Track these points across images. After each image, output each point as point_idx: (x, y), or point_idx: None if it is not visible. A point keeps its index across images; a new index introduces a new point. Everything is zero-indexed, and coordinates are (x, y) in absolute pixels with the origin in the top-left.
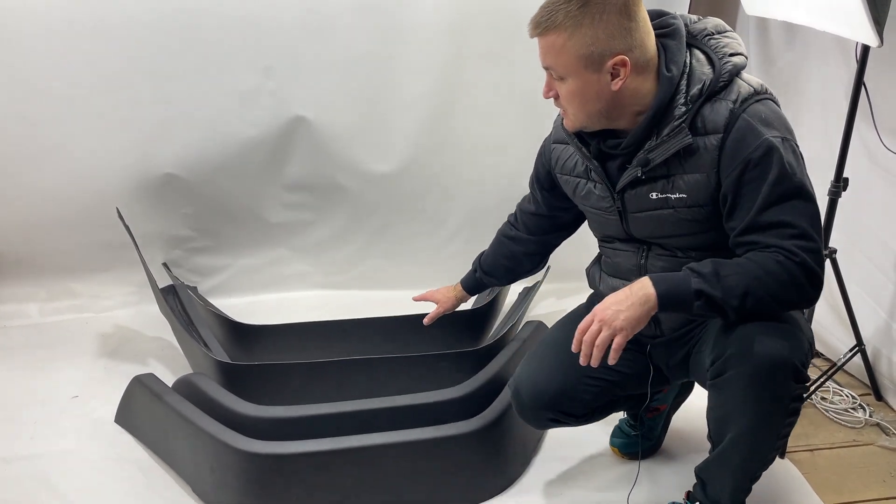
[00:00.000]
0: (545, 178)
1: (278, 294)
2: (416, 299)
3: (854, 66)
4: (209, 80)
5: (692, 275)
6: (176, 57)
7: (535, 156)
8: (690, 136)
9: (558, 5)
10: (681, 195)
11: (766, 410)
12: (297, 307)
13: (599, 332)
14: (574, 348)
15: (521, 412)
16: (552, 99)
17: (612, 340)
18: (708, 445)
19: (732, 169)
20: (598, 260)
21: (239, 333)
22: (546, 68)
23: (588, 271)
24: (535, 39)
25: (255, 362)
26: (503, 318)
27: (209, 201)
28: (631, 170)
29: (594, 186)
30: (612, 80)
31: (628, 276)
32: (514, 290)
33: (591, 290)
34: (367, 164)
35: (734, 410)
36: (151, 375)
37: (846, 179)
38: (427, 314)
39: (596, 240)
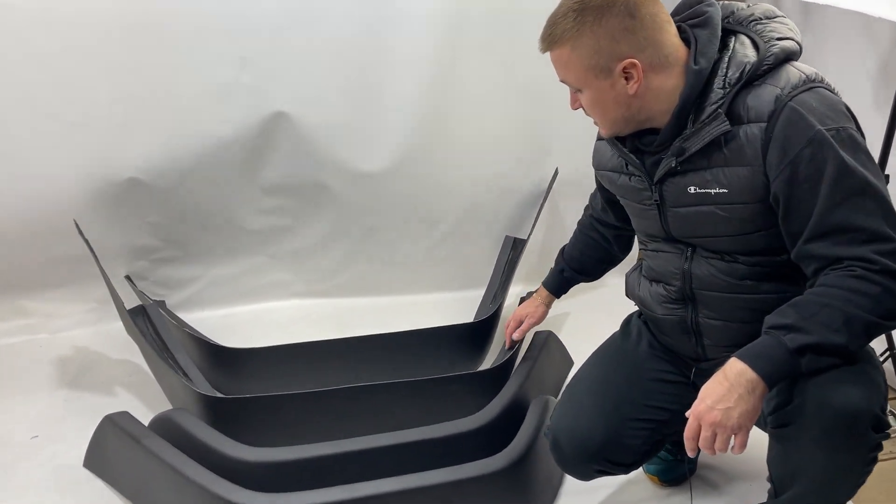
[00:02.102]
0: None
1: (256, 305)
2: (509, 333)
3: (881, 49)
4: (176, 75)
5: (779, 333)
6: (137, 49)
7: (536, 153)
8: (728, 122)
9: (557, 18)
10: (721, 189)
11: (842, 464)
12: (277, 318)
13: (714, 436)
14: (690, 453)
15: (563, 465)
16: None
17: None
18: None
19: (781, 166)
20: (639, 266)
21: (220, 358)
22: (563, 82)
23: (628, 277)
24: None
25: (244, 395)
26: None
27: (177, 208)
28: (666, 160)
29: (630, 179)
30: (627, 83)
31: (670, 281)
32: (514, 295)
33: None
34: (353, 163)
35: (805, 464)
36: (125, 414)
37: (887, 176)
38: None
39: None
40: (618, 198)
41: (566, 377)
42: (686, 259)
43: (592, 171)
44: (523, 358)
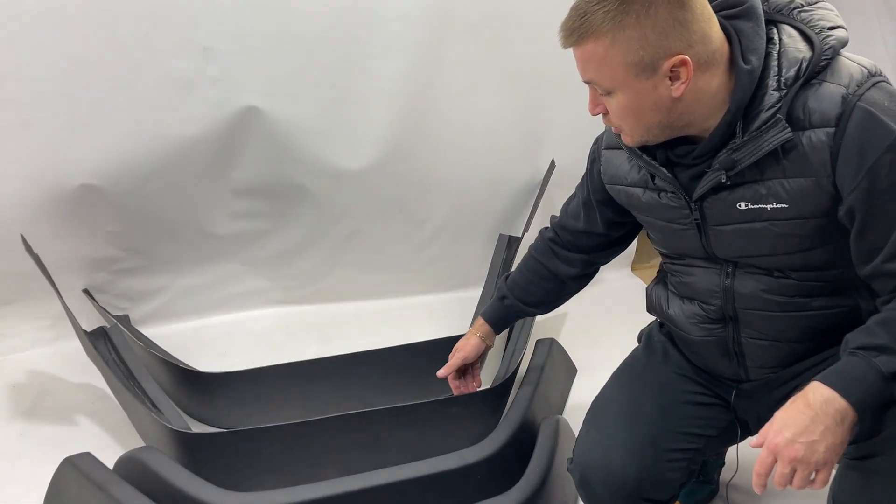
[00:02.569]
0: (602, 190)
1: (230, 315)
2: (441, 374)
3: None
4: (132, 69)
5: (870, 354)
6: (86, 39)
7: (531, 143)
8: (790, 129)
9: (592, 5)
10: (780, 205)
11: None
12: (254, 329)
13: (793, 472)
14: (758, 489)
15: None
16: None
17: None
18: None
19: (858, 177)
20: (661, 279)
21: (193, 383)
22: (588, 83)
23: (650, 293)
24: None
25: (221, 428)
26: (504, 337)
27: (138, 215)
28: (712, 174)
29: (659, 196)
30: (672, 84)
31: (708, 300)
32: None
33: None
34: (332, 160)
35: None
36: (87, 456)
37: None
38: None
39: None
40: (634, 214)
41: (570, 388)
42: (727, 276)
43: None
44: (527, 372)
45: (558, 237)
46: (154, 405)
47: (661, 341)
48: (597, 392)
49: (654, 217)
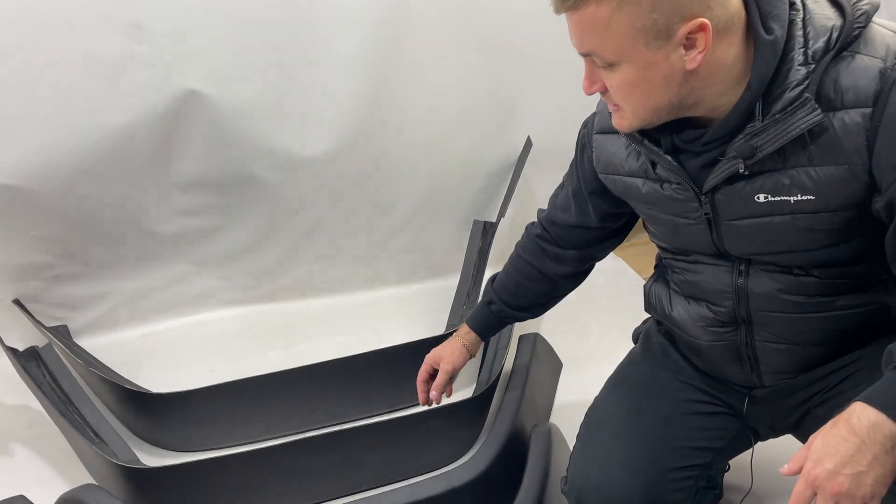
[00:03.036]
0: (595, 180)
1: (182, 319)
2: (421, 387)
3: None
4: (50, 51)
5: None
6: None
7: (504, 121)
8: (820, 110)
9: None
10: (806, 197)
11: None
12: (210, 333)
13: None
14: None
15: None
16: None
17: None
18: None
19: None
20: (661, 276)
21: (141, 404)
22: (586, 55)
23: (648, 291)
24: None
25: (177, 452)
26: None
27: (70, 216)
28: (727, 163)
29: (662, 187)
30: (687, 53)
31: (717, 301)
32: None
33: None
34: (286, 147)
35: None
36: (20, 501)
37: None
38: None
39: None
40: (633, 206)
41: (557, 385)
42: (740, 274)
43: (570, 138)
44: (511, 373)
45: (547, 233)
46: (96, 434)
47: (660, 343)
48: (585, 388)
49: (657, 210)
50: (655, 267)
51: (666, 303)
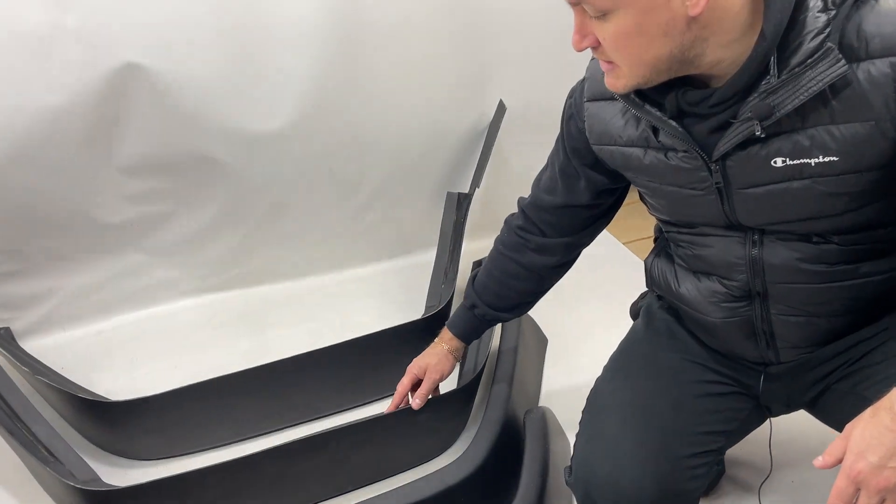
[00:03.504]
0: (587, 152)
1: (136, 313)
2: (401, 396)
3: None
4: None
5: None
6: None
7: (474, 84)
8: (844, 61)
9: None
10: (828, 158)
11: None
12: (169, 326)
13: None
14: None
15: None
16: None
17: None
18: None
19: None
20: (662, 250)
21: (98, 413)
22: (576, 3)
23: (650, 268)
24: None
25: (142, 461)
26: None
27: (4, 208)
28: (740, 125)
29: (667, 156)
30: None
31: (730, 274)
32: (467, 259)
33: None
34: (241, 123)
35: None
36: None
37: None
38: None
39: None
40: (631, 178)
41: (543, 363)
42: (754, 245)
43: (546, 100)
44: (498, 357)
45: (531, 222)
46: (50, 453)
47: (665, 321)
48: (573, 366)
49: (659, 182)
50: (655, 240)
51: (672, 279)
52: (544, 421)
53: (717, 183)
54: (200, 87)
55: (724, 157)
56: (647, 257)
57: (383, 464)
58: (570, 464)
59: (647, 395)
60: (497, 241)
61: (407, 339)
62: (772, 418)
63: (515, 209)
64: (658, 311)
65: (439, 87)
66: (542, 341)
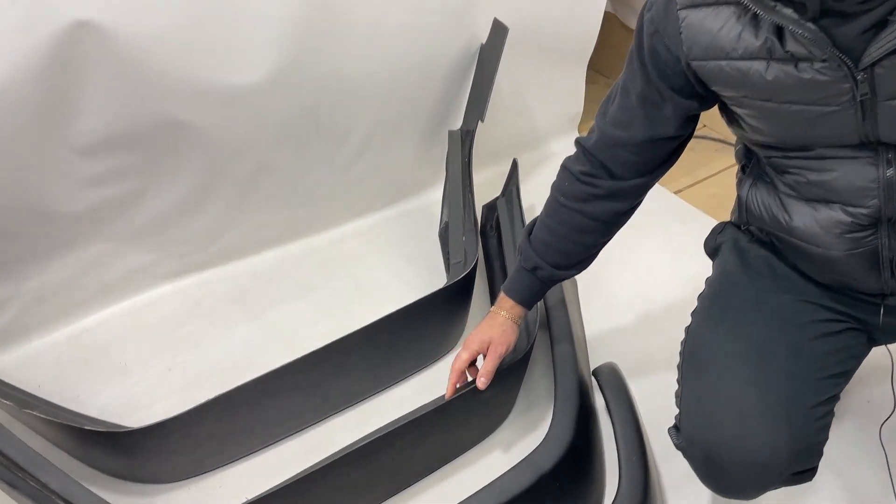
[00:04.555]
0: (679, 73)
1: (113, 307)
2: (458, 377)
3: None
4: None
5: None
6: None
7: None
8: None
9: None
10: None
11: None
12: (153, 317)
13: None
14: None
15: (725, 492)
16: None
17: None
18: None
19: None
20: (758, 179)
21: (111, 442)
22: None
23: (746, 200)
24: None
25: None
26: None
27: None
28: None
29: (797, 67)
30: None
31: (858, 201)
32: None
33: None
34: (212, 80)
35: None
36: None
37: None
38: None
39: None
40: (738, 100)
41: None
42: (889, 165)
43: (544, 18)
44: (548, 314)
45: (598, 164)
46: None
47: (761, 258)
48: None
49: (779, 101)
50: (743, 168)
51: (779, 212)
52: (621, 379)
53: (862, 95)
54: (163, 42)
55: (873, 64)
56: (740, 189)
57: (444, 451)
58: (675, 426)
59: (761, 343)
60: (555, 190)
61: (442, 306)
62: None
63: (510, 142)
64: (750, 246)
65: (423, 13)
66: (574, 284)
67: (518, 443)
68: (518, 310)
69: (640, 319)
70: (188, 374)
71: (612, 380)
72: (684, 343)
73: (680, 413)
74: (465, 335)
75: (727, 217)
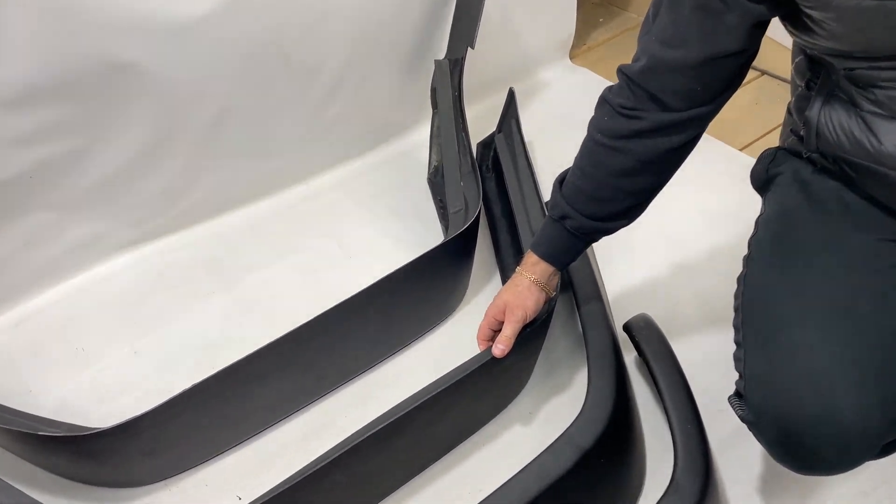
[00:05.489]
0: None
1: (64, 285)
2: (485, 337)
3: None
4: None
5: None
6: None
7: None
8: None
9: None
10: None
11: None
12: (107, 293)
13: None
14: None
15: (807, 469)
16: None
17: None
18: None
19: None
20: (831, 97)
21: (78, 447)
22: None
23: (817, 120)
24: None
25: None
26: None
27: None
28: None
29: None
30: None
31: None
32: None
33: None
34: (162, 8)
35: None
36: None
37: None
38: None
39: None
40: (835, 3)
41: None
42: None
43: None
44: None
45: (645, 95)
46: None
47: (829, 189)
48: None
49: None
50: (807, 85)
51: (863, 135)
52: (660, 334)
53: None
54: None
55: None
56: (808, 110)
57: (461, 427)
58: (737, 391)
59: (839, 293)
60: (591, 128)
61: (444, 264)
62: None
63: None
64: (816, 177)
65: None
66: None
67: (540, 413)
68: (542, 268)
69: (663, 265)
70: (157, 356)
71: (651, 335)
72: (741, 295)
73: (744, 380)
74: (471, 295)
75: (751, 143)
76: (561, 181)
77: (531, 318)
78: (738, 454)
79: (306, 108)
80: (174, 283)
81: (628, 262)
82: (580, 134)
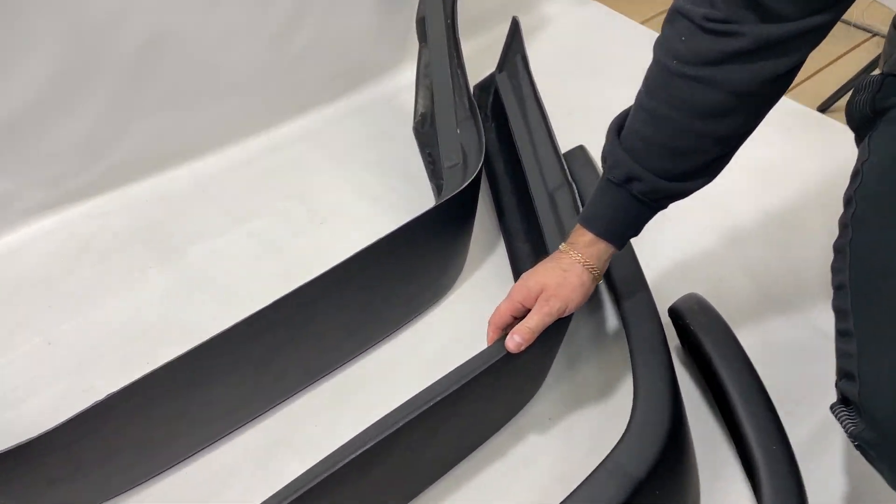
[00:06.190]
0: None
1: None
2: (502, 324)
3: None
4: None
5: None
6: None
7: None
8: None
9: None
10: None
11: None
12: (21, 271)
13: None
14: None
15: None
16: None
17: None
18: None
19: None
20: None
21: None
22: None
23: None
24: None
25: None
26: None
27: None
28: None
29: None
30: None
31: None
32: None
33: None
34: None
35: None
36: None
37: None
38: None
39: None
40: None
41: None
42: None
43: None
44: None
45: (744, 2)
46: None
47: None
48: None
49: None
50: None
51: None
52: (722, 322)
53: None
54: None
55: None
56: (876, 73)
57: (466, 439)
58: (842, 396)
59: None
60: (662, 54)
61: (439, 230)
62: None
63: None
64: None
65: None
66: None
67: (562, 418)
68: (599, 249)
69: (703, 235)
70: (76, 349)
71: (709, 322)
72: (849, 268)
73: (859, 383)
74: (469, 270)
75: (798, 84)
76: (618, 130)
77: (571, 313)
78: (816, 476)
79: (262, 35)
80: (102, 255)
81: (660, 232)
82: (592, 78)
